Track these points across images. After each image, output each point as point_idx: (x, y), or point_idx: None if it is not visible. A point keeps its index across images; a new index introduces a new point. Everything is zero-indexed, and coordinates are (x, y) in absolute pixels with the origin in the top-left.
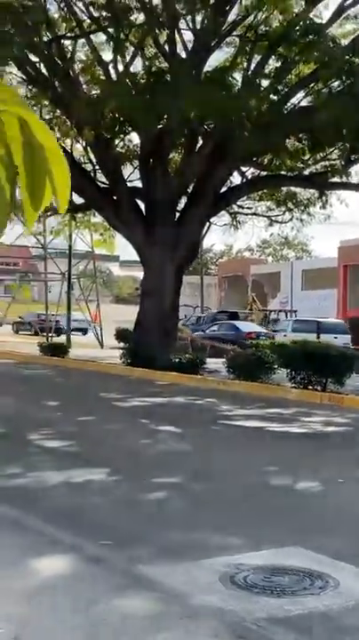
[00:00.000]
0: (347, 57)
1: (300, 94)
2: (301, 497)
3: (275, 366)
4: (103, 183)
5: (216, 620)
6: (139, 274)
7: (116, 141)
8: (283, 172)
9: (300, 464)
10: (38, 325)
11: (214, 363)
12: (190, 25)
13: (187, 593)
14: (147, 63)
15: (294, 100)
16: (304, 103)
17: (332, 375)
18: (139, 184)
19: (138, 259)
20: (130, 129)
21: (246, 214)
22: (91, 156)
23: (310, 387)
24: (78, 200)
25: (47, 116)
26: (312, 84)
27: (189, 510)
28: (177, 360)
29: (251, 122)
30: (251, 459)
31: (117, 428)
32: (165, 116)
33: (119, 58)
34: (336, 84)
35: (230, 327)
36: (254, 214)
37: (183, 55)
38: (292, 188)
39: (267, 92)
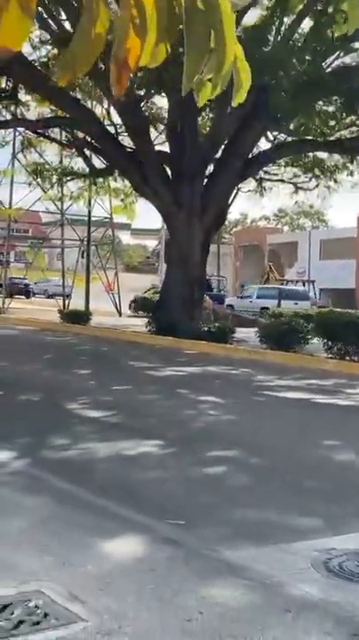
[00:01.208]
0: None
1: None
2: None
3: (309, 336)
4: (128, 147)
5: (323, 615)
6: (150, 242)
7: (142, 104)
8: (309, 138)
9: (356, 439)
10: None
11: (240, 332)
12: None
13: (282, 581)
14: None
15: (332, 60)
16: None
17: None
18: (163, 148)
19: (149, 227)
20: (159, 90)
21: (272, 180)
22: (114, 119)
23: (347, 357)
24: (99, 164)
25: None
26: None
27: (255, 487)
28: (206, 329)
29: (290, 80)
30: (304, 431)
31: (156, 398)
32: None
33: None
34: None
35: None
36: (280, 180)
37: None
38: (319, 155)
39: (305, 49)
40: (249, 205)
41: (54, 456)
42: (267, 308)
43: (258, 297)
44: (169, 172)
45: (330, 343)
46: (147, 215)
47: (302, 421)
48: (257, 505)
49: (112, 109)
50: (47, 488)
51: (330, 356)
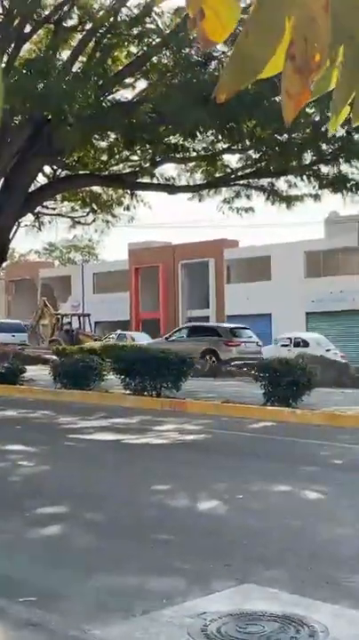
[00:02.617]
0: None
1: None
2: (210, 519)
3: (105, 372)
4: None
5: None
6: None
7: None
8: (84, 172)
9: (185, 480)
10: None
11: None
12: None
13: None
14: None
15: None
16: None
17: (169, 380)
18: None
19: None
20: None
21: (50, 215)
22: None
23: (145, 393)
24: None
25: None
26: (133, 78)
27: (102, 546)
28: None
29: (73, 114)
30: (129, 477)
31: None
32: None
33: None
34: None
35: None
36: (58, 215)
37: None
38: (95, 189)
39: (86, 82)
40: (27, 239)
41: None
42: None
43: None
44: None
45: (127, 379)
46: None
47: (122, 465)
48: (111, 568)
49: None
50: None
51: (128, 392)
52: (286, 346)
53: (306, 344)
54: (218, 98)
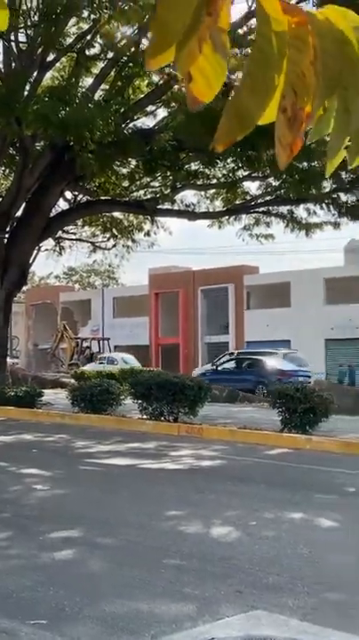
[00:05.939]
0: None
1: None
2: (222, 546)
3: (122, 397)
4: None
5: None
6: None
7: None
8: (105, 198)
9: (199, 506)
10: None
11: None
12: (21, 38)
13: None
14: None
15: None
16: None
17: (186, 405)
18: None
19: None
20: None
21: (71, 239)
22: None
23: (163, 418)
24: None
25: None
26: (154, 106)
27: (112, 571)
28: (13, 393)
29: (93, 141)
30: (143, 502)
31: None
32: None
33: None
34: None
35: None
36: (79, 239)
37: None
38: (115, 215)
39: (107, 110)
40: (47, 264)
41: None
42: None
43: None
44: None
45: (144, 404)
46: None
47: (138, 490)
48: (122, 593)
49: None
50: None
51: (145, 417)
52: (102, 364)
53: (115, 362)
54: (216, 148)
